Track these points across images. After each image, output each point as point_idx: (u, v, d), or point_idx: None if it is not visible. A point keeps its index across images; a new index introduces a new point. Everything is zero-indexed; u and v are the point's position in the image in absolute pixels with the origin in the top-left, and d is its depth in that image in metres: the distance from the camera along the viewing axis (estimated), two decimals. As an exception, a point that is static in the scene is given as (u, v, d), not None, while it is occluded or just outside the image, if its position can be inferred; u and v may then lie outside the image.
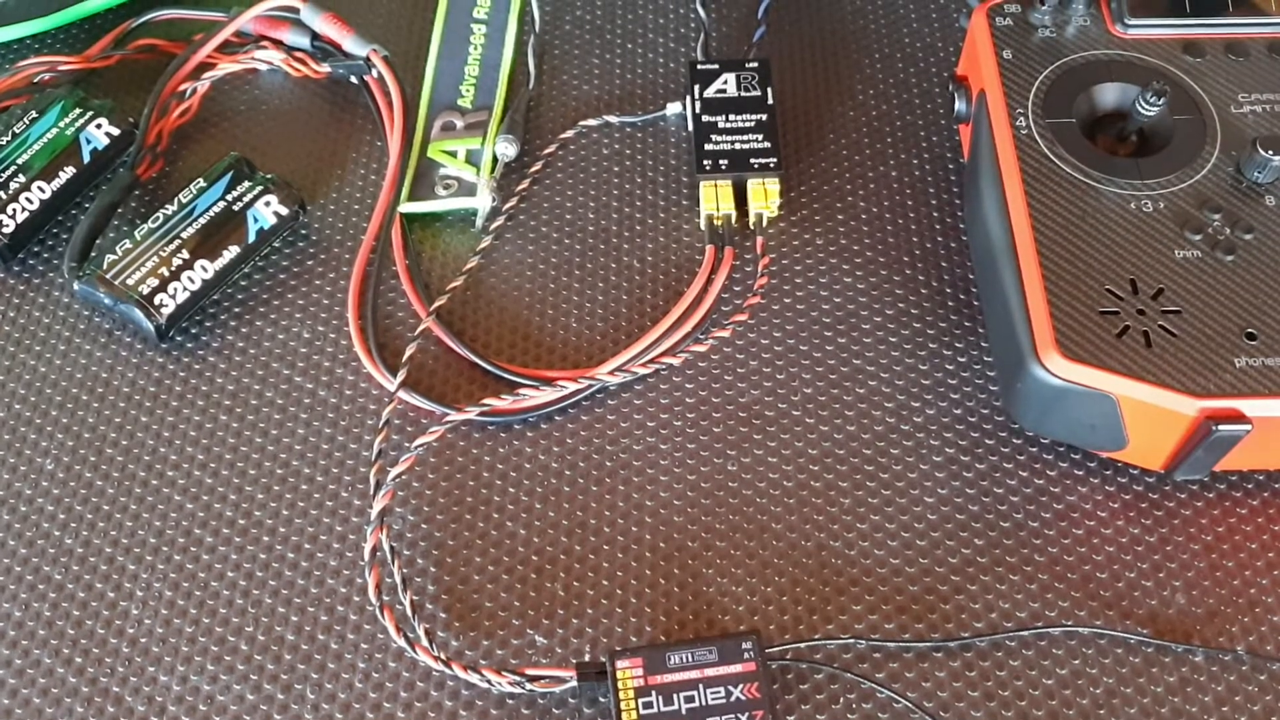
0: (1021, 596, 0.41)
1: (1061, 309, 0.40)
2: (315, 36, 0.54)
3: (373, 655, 0.40)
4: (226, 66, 0.54)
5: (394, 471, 0.42)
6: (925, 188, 0.51)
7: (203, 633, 0.40)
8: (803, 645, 0.40)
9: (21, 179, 0.49)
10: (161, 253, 0.46)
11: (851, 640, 0.40)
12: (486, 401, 0.43)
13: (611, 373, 0.45)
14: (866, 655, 0.40)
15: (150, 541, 0.42)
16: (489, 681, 0.38)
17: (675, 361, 0.46)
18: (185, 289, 0.46)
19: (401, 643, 0.39)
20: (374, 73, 0.53)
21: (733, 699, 0.37)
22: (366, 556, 0.40)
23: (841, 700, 0.39)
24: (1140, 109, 0.44)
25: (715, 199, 0.49)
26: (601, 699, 0.38)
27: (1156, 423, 0.39)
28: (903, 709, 0.38)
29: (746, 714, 0.37)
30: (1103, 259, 0.41)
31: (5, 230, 0.48)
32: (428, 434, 0.42)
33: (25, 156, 0.49)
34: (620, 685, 0.37)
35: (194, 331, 0.47)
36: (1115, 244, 0.41)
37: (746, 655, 0.38)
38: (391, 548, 0.41)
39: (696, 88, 0.51)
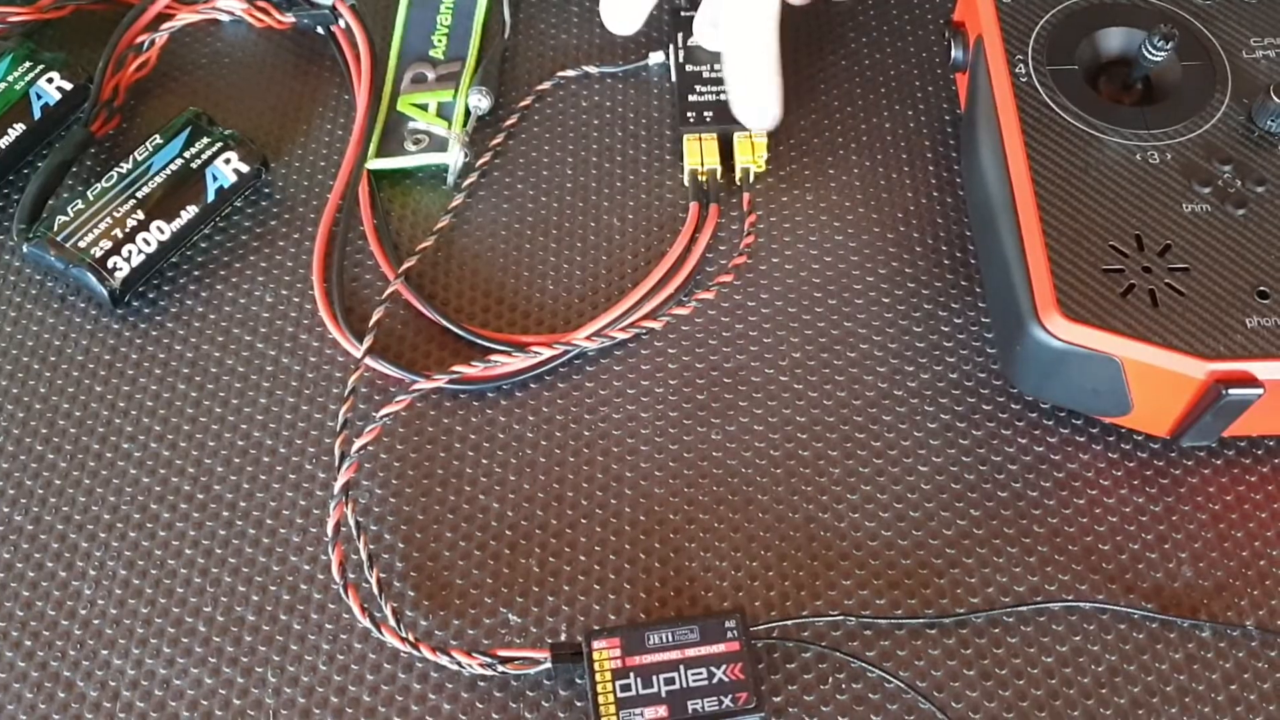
0: (1020, 570, 0.39)
1: (1063, 267, 0.38)
2: (278, -16, 0.52)
3: (337, 636, 0.38)
4: (186, 17, 0.51)
5: (359, 443, 0.40)
6: (920, 140, 0.49)
7: (159, 613, 0.39)
8: (789, 623, 0.38)
9: (-33, 136, 0.46)
10: (115, 213, 0.44)
11: (840, 617, 0.38)
12: (457, 369, 0.42)
13: (589, 338, 0.43)
14: (856, 633, 0.38)
15: (104, 518, 0.41)
16: (459, 663, 0.37)
17: (657, 325, 0.44)
18: (141, 251, 0.44)
19: (367, 623, 0.37)
20: (341, 22, 0.51)
21: (715, 680, 0.36)
22: (330, 532, 0.39)
23: (830, 680, 0.37)
24: (1146, 54, 0.42)
25: (700, 153, 0.47)
26: (578, 681, 0.37)
27: (1163, 386, 0.38)
28: (894, 689, 0.37)
29: (730, 696, 0.35)
30: (1107, 214, 0.39)
31: (-50, 191, 0.46)
32: (394, 403, 0.40)
33: (-29, 112, 0.47)
34: (597, 667, 0.36)
35: (150, 296, 0.45)
36: (1120, 198, 0.40)
37: (730, 634, 0.36)
38: (357, 523, 0.39)
39: (680, 36, 0.49)
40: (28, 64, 0.48)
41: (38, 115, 0.48)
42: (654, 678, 0.35)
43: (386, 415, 0.40)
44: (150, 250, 0.44)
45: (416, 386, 0.41)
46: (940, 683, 0.37)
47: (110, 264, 0.44)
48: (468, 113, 0.48)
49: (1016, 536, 0.40)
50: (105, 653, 0.38)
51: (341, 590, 0.38)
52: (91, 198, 0.45)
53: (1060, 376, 0.39)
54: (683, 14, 0.50)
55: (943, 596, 0.39)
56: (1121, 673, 0.37)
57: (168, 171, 0.45)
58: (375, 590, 0.38)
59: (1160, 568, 0.39)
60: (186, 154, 0.46)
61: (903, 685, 0.37)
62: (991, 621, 0.38)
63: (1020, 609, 0.38)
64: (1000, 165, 0.41)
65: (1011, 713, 0.37)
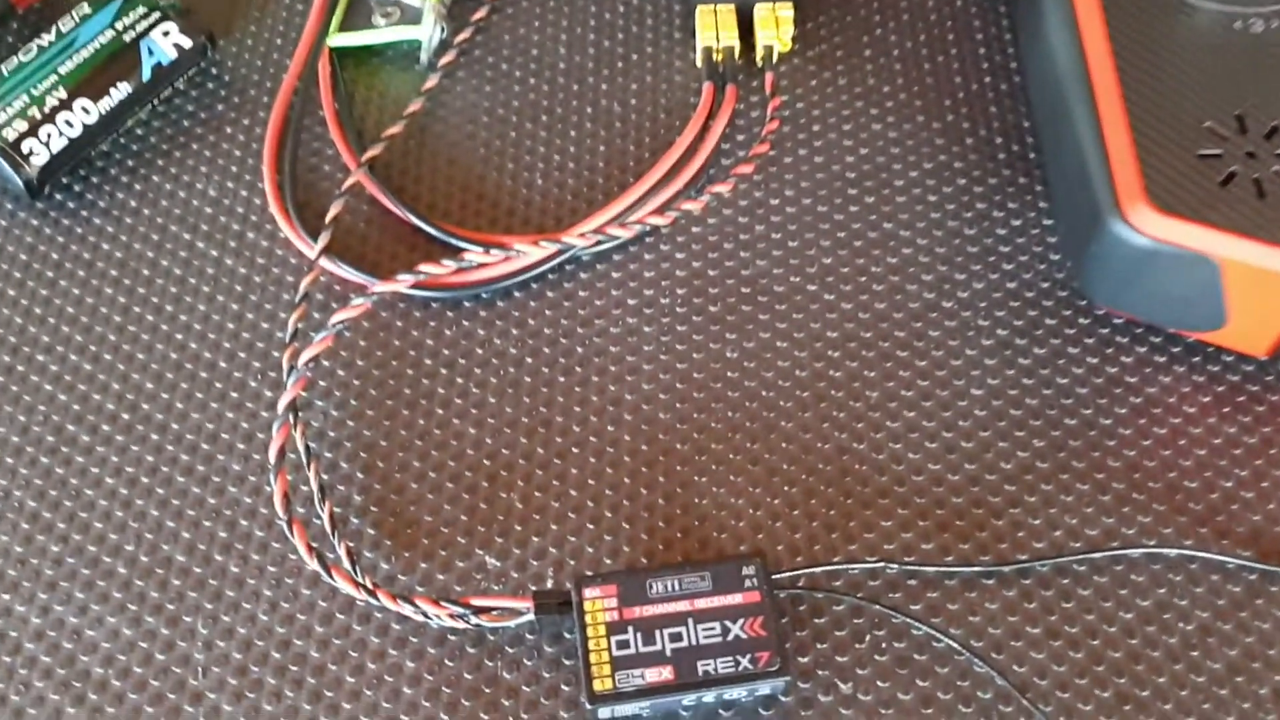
0: (1092, 511, 0.35)
1: (1151, 152, 0.35)
2: None
3: (281, 580, 0.34)
4: (124, -126, 0.46)
5: (308, 353, 0.35)
6: (969, 19, 0.45)
7: (71, 552, 0.35)
8: (819, 570, 0.34)
9: None
10: (33, 91, 0.41)
11: (880, 564, 0.34)
12: (424, 268, 0.36)
13: (584, 236, 0.39)
14: (899, 583, 0.34)
15: (12, 440, 0.37)
16: (425, 613, 0.33)
17: (663, 223, 0.40)
18: (62, 135, 0.41)
19: (315, 565, 0.33)
20: (302, -119, 0.46)
21: (731, 636, 0.31)
22: (273, 459, 0.34)
23: (868, 638, 0.33)
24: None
25: (715, 28, 0.44)
26: (566, 634, 0.33)
27: (1267, 294, 0.34)
28: (944, 649, 0.33)
29: (748, 655, 0.31)
30: (1201, 92, 0.36)
31: None
32: (351, 308, 0.35)
33: None
34: (589, 619, 0.32)
35: (75, 188, 0.42)
36: (1216, 73, 0.36)
37: (749, 583, 0.32)
38: (307, 448, 0.35)
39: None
40: (-63, -76, 0.43)
41: (-50, -17, 0.43)
42: (657, 633, 0.31)
43: (341, 322, 0.36)
44: (74, 134, 0.41)
45: (376, 289, 0.36)
46: (999, 642, 0.33)
47: (25, 148, 0.40)
48: (446, -18, 0.45)
49: (1088, 472, 0.36)
50: (7, 597, 0.34)
51: (286, 527, 0.34)
52: (6, 74, 0.41)
53: (1143, 283, 0.36)
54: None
55: (1001, 541, 0.35)
56: (1215, 632, 0.33)
57: (96, 44, 0.42)
58: (327, 527, 0.34)
59: (1258, 509, 0.35)
60: (118, 25, 0.43)
61: (954, 645, 0.33)
62: (1059, 571, 0.34)
63: (1093, 556, 0.34)
64: (1072, 39, 0.38)
65: (1084, 678, 0.32)
